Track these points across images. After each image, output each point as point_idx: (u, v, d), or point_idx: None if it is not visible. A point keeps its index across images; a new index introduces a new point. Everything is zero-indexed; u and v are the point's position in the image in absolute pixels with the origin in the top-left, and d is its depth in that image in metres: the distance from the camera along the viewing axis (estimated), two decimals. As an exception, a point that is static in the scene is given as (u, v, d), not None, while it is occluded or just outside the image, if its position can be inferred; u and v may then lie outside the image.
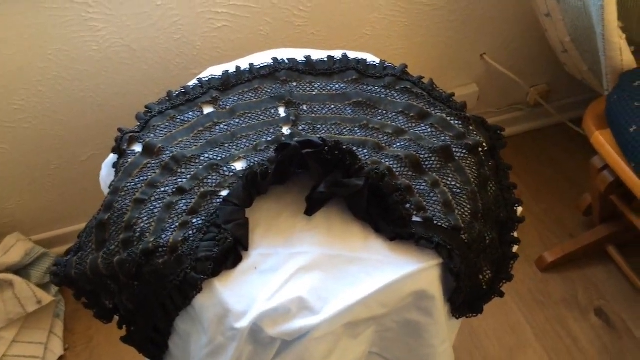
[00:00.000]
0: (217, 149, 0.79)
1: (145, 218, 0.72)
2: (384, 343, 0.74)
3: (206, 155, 0.78)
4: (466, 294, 0.76)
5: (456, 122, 0.82)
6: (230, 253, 0.68)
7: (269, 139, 0.80)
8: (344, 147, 0.71)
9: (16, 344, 1.26)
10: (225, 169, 0.76)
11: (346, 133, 0.81)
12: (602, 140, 1.12)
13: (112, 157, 0.84)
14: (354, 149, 0.79)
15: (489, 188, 0.80)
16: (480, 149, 0.80)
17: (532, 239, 1.49)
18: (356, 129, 0.81)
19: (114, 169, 0.82)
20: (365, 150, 0.78)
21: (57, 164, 1.29)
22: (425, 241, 0.68)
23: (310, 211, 0.71)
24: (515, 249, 0.83)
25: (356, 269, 0.67)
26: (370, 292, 0.65)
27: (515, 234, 0.83)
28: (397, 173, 0.75)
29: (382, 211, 0.71)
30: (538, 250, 1.46)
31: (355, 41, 1.31)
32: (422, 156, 0.76)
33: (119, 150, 0.82)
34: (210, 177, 0.76)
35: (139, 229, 0.71)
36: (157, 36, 1.15)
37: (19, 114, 1.17)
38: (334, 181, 0.70)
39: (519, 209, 0.84)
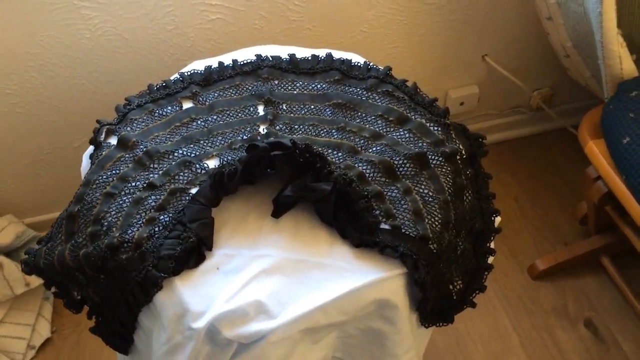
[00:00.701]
0: (191, 146, 0.79)
1: (114, 212, 0.72)
2: (348, 349, 0.73)
3: (180, 152, 0.78)
4: (435, 304, 0.75)
5: (435, 128, 0.80)
6: (193, 252, 0.67)
7: (245, 137, 0.80)
8: (314, 150, 0.70)
9: (4, 324, 1.28)
10: (197, 166, 0.76)
11: (323, 135, 0.80)
12: (596, 150, 1.10)
13: (91, 149, 0.84)
14: (329, 151, 0.78)
15: (465, 197, 0.78)
16: (458, 157, 0.79)
17: (526, 245, 1.47)
18: (333, 131, 0.80)
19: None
20: (340, 154, 0.78)
21: (49, 150, 1.29)
22: (391, 250, 0.68)
23: (277, 214, 0.70)
24: (490, 259, 0.82)
25: (318, 274, 0.67)
26: (329, 299, 0.65)
27: (492, 245, 0.82)
28: (370, 178, 0.74)
29: (350, 217, 0.70)
30: (531, 256, 1.44)
31: (351, 38, 1.30)
32: (396, 162, 0.75)
33: (95, 142, 0.82)
34: (182, 173, 0.75)
35: (106, 223, 0.71)
36: (151, 26, 1.14)
37: (12, 99, 1.17)
38: (301, 185, 0.69)
39: (497, 219, 0.83)
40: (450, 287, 0.76)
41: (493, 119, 1.64)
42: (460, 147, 0.80)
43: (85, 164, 0.86)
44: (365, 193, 0.71)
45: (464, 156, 0.80)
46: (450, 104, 1.53)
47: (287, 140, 0.70)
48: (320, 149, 0.78)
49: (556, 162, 1.64)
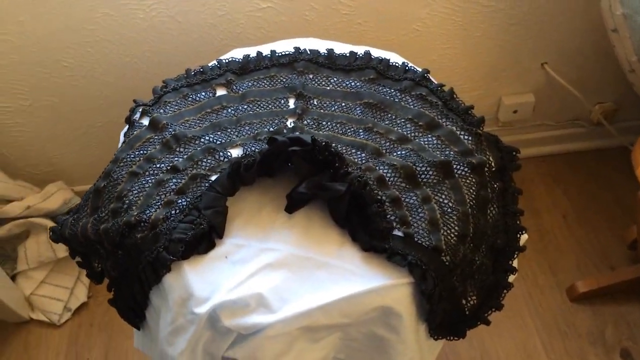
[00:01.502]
0: (219, 133, 0.80)
1: (136, 191, 0.74)
2: (350, 352, 0.73)
3: (207, 138, 0.79)
4: (446, 317, 0.74)
5: (466, 137, 0.78)
6: (203, 238, 0.68)
7: (271, 129, 0.80)
8: (333, 149, 0.69)
9: (44, 285, 1.35)
10: (221, 154, 0.77)
11: (349, 133, 0.79)
12: (647, 174, 1.04)
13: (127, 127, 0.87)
14: (352, 151, 0.77)
15: (489, 211, 0.76)
16: (486, 169, 0.76)
17: (568, 265, 1.41)
18: (360, 130, 0.79)
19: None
20: (363, 154, 0.77)
21: (102, 123, 1.34)
22: (400, 258, 0.66)
23: (290, 209, 0.70)
24: (511, 278, 0.79)
25: (324, 274, 0.66)
26: (331, 301, 0.64)
27: (515, 263, 0.79)
28: (390, 182, 0.73)
29: (363, 220, 0.69)
30: (572, 277, 1.38)
31: (403, 36, 1.27)
32: (418, 168, 0.74)
33: (130, 121, 0.84)
34: (205, 160, 0.77)
35: (127, 201, 0.74)
36: (203, 10, 1.16)
37: (68, 72, 1.22)
38: (316, 183, 0.69)
39: (523, 237, 0.80)
40: (463, 301, 0.74)
41: (548, 130, 1.57)
42: (490, 159, 0.78)
43: (122, 141, 0.89)
44: (380, 197, 0.70)
45: (493, 169, 0.77)
46: (503, 111, 1.48)
47: (308, 136, 0.70)
48: (344, 147, 0.77)
49: (612, 181, 1.56)
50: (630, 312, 1.32)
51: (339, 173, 0.69)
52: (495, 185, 0.77)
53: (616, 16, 1.13)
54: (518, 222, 0.79)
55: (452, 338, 0.77)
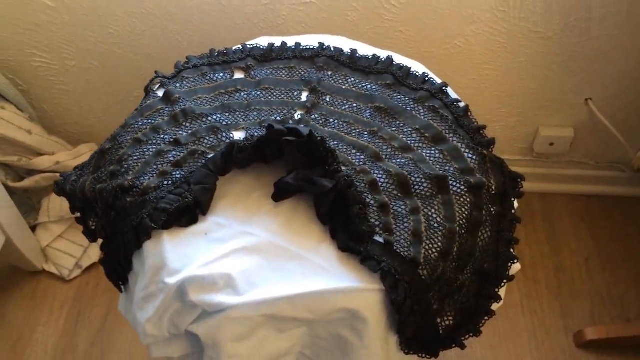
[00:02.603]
0: (227, 114, 0.81)
1: (136, 157, 0.76)
2: (316, 349, 0.72)
3: (214, 117, 0.80)
4: (418, 333, 0.72)
5: (470, 155, 0.76)
6: (187, 212, 0.70)
7: (278, 118, 0.80)
8: (328, 145, 0.69)
9: (61, 239, 1.40)
10: (224, 134, 0.78)
11: (353, 134, 0.79)
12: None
13: (149, 96, 0.90)
14: (352, 151, 0.77)
15: (481, 234, 0.74)
16: (484, 191, 0.74)
17: (581, 310, 1.36)
18: (365, 133, 0.79)
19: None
20: (362, 156, 0.76)
21: (138, 94, 1.38)
22: (374, 263, 0.66)
23: (276, 197, 0.71)
24: (495, 306, 0.76)
25: (296, 267, 0.66)
26: (297, 293, 0.64)
27: (502, 292, 0.77)
28: (382, 188, 0.72)
29: (345, 220, 0.69)
30: (583, 323, 1.33)
31: (444, 50, 1.26)
32: (413, 179, 0.73)
33: (147, 90, 0.86)
34: (208, 137, 0.78)
35: (126, 165, 0.76)
36: (247, -3, 1.18)
37: (113, 38, 1.27)
38: (304, 176, 0.69)
39: (515, 267, 0.77)
40: (439, 320, 0.72)
41: (585, 169, 1.51)
42: (492, 182, 0.76)
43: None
44: (367, 200, 0.69)
45: (493, 192, 0.75)
46: (538, 142, 1.44)
47: (306, 129, 0.70)
48: (344, 147, 0.77)
49: (645, 232, 1.49)
50: (637, 369, 1.26)
51: (330, 170, 0.69)
52: (492, 209, 0.75)
53: (666, 59, 1.09)
54: (511, 251, 0.77)
55: (424, 356, 0.75)
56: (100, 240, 0.82)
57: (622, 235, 1.48)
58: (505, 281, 0.76)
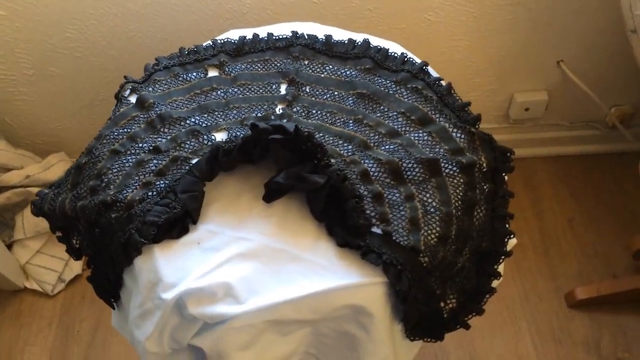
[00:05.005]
0: (205, 115, 0.78)
1: (115, 170, 0.73)
2: (322, 347, 0.71)
3: (192, 120, 0.77)
4: (423, 319, 0.72)
5: (458, 134, 0.75)
6: (177, 223, 0.67)
7: (259, 114, 0.78)
8: (316, 140, 0.67)
9: (40, 254, 1.36)
10: (205, 137, 0.75)
11: (338, 124, 0.77)
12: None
13: (118, 103, 0.86)
14: (340, 142, 0.75)
15: (476, 213, 0.73)
16: (476, 169, 0.73)
17: (570, 270, 1.38)
18: (350, 121, 0.77)
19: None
20: (350, 147, 0.74)
21: (104, 96, 1.34)
22: (375, 256, 0.64)
23: (268, 198, 0.69)
24: (495, 283, 0.76)
25: (295, 268, 0.65)
26: (299, 296, 0.63)
27: (501, 268, 0.76)
28: (374, 177, 0.71)
29: (341, 214, 0.67)
30: (572, 283, 1.35)
31: (414, 25, 1.24)
32: (405, 165, 0.71)
33: (118, 97, 0.83)
34: (188, 142, 0.75)
35: (106, 179, 0.72)
36: (208, -12, 1.14)
37: (71, 42, 1.21)
38: (295, 173, 0.67)
39: (512, 242, 0.77)
40: (442, 304, 0.72)
41: (561, 131, 1.52)
42: (483, 159, 0.75)
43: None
44: (361, 192, 0.68)
45: (484, 169, 0.75)
46: (514, 108, 1.44)
47: (292, 125, 0.68)
48: (331, 138, 0.75)
49: (624, 187, 1.51)
50: (629, 323, 1.29)
51: (320, 165, 0.67)
52: (484, 187, 0.74)
53: (636, 16, 1.08)
54: (507, 226, 0.76)
55: (429, 340, 0.75)
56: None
57: (602, 192, 1.50)
58: (503, 257, 0.76)
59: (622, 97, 1.45)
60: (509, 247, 0.77)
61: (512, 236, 0.76)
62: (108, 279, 0.74)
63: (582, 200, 1.49)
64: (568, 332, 1.28)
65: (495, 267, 0.75)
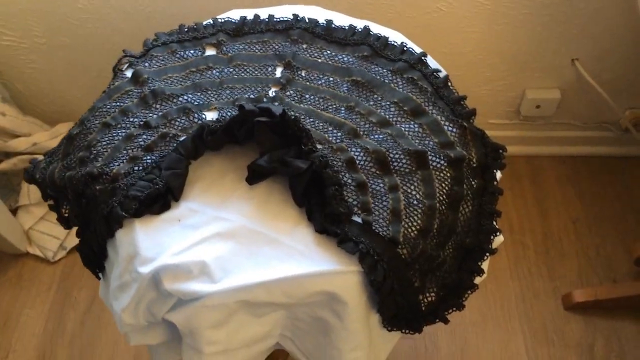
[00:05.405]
0: (198, 94, 0.78)
1: (105, 143, 0.74)
2: (297, 331, 0.72)
3: (185, 97, 0.78)
4: (400, 310, 0.71)
5: (450, 128, 0.74)
6: (159, 199, 0.68)
7: (252, 96, 0.78)
8: (302, 125, 0.67)
9: (43, 221, 1.38)
10: (196, 115, 0.76)
11: (330, 110, 0.77)
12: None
13: (117, 76, 0.86)
14: (329, 129, 0.75)
15: (462, 208, 0.72)
16: (465, 164, 0.72)
17: (569, 272, 1.36)
18: (342, 108, 0.76)
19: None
20: (339, 134, 0.74)
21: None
22: (352, 244, 0.64)
23: (251, 180, 0.69)
24: (478, 280, 0.76)
25: (272, 251, 0.65)
26: (273, 278, 0.63)
27: (485, 265, 0.76)
28: (360, 166, 0.70)
29: (322, 201, 0.67)
30: (571, 285, 1.34)
31: (425, 14, 1.22)
32: (391, 155, 0.71)
33: (115, 70, 0.83)
34: (179, 119, 0.75)
35: (95, 151, 0.73)
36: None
37: (83, 14, 1.22)
38: (278, 157, 0.67)
39: (498, 239, 0.76)
40: (420, 297, 0.72)
41: (572, 130, 1.50)
42: (473, 154, 0.74)
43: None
44: (343, 180, 0.67)
45: (474, 164, 0.74)
46: (525, 105, 1.41)
47: (279, 108, 0.68)
48: (321, 124, 0.75)
49: (632, 191, 1.48)
50: (624, 329, 1.27)
51: (304, 150, 0.67)
52: (473, 182, 0.73)
53: (652, 18, 1.06)
54: (494, 224, 0.75)
55: (407, 332, 0.75)
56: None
57: (610, 196, 1.48)
58: (487, 254, 0.75)
59: (638, 99, 1.41)
60: (494, 245, 0.76)
61: (498, 234, 0.75)
62: (92, 249, 0.75)
63: (588, 202, 1.47)
64: (562, 334, 1.27)
65: (479, 263, 0.75)
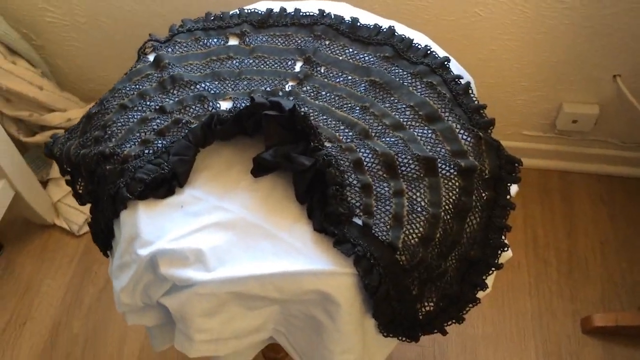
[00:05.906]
0: (216, 83, 0.79)
1: (120, 124, 0.75)
2: (290, 327, 0.71)
3: (202, 85, 0.78)
4: (396, 317, 0.70)
5: (465, 136, 0.72)
6: (164, 183, 0.68)
7: (268, 89, 0.78)
8: (310, 122, 0.67)
9: (71, 195, 1.42)
10: (211, 103, 0.76)
11: (344, 109, 0.76)
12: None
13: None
14: (341, 127, 0.74)
15: (469, 220, 0.70)
16: (476, 175, 0.70)
17: (592, 295, 1.31)
18: (357, 108, 0.76)
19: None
20: (350, 133, 0.73)
21: (150, 52, 1.37)
22: (349, 246, 0.63)
23: (256, 173, 0.69)
24: (480, 294, 0.74)
25: (268, 245, 0.65)
26: (266, 273, 0.63)
27: (490, 280, 0.74)
28: (367, 168, 0.69)
29: (324, 200, 0.66)
30: (591, 308, 1.29)
31: (463, 19, 1.19)
32: (400, 159, 0.69)
33: (139, 53, 0.84)
34: (194, 106, 0.76)
35: (110, 132, 0.75)
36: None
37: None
38: (283, 152, 0.66)
39: (505, 255, 0.74)
40: (418, 305, 0.70)
41: (609, 149, 1.44)
42: (486, 165, 0.72)
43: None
44: (347, 181, 0.67)
45: (486, 176, 0.72)
46: (561, 118, 1.37)
47: (290, 103, 0.67)
48: (333, 122, 0.74)
49: (670, 217, 1.42)
50: (644, 359, 1.22)
51: (311, 147, 0.67)
52: (484, 194, 0.72)
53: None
54: (502, 238, 0.73)
55: (404, 340, 0.74)
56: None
57: (641, 220, 1.42)
58: (493, 269, 0.73)
59: (682, 122, 1.35)
60: (502, 260, 0.74)
61: (506, 249, 0.73)
62: (100, 227, 0.76)
63: (619, 225, 1.41)
64: (577, 358, 1.23)
65: (483, 277, 0.73)
